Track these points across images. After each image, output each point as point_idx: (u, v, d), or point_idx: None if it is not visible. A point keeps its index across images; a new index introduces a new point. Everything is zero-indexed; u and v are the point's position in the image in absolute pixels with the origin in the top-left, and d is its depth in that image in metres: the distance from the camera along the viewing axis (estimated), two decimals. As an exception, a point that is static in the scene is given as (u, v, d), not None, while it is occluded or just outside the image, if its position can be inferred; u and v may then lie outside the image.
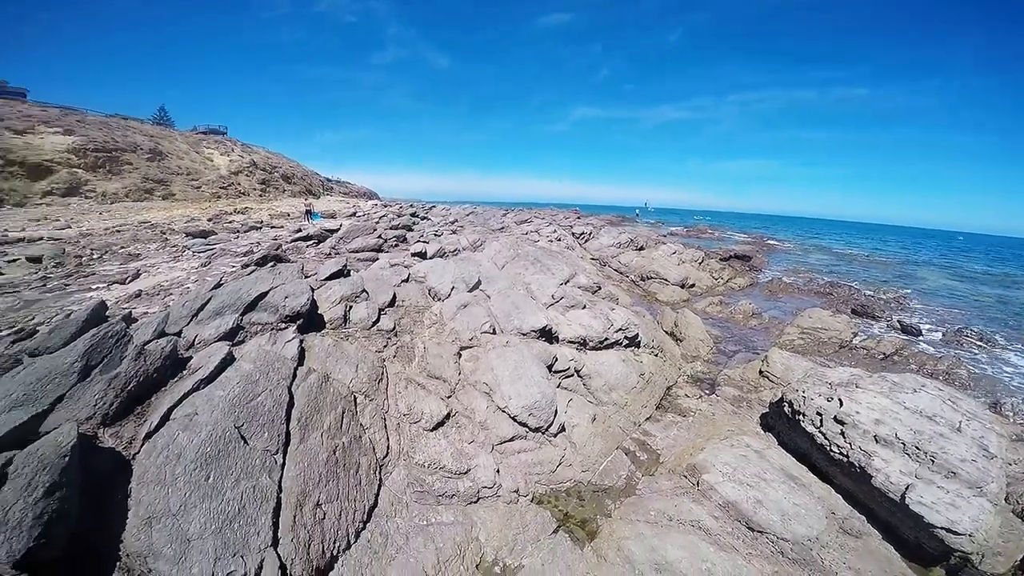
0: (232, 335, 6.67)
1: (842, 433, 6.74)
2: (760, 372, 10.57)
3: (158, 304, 9.14)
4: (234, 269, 11.71)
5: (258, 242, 17.92)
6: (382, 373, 6.41)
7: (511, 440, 6.65)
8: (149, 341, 5.78)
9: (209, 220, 26.39)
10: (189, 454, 4.11)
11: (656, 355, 10.74)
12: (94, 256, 14.76)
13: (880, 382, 7.66)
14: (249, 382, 5.02)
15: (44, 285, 10.82)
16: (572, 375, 8.67)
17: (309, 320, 7.53)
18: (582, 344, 9.61)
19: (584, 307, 10.67)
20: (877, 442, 6.40)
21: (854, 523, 6.00)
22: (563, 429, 7.25)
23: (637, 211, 72.68)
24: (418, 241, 15.46)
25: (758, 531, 5.72)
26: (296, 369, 5.61)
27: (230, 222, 25.81)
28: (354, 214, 31.10)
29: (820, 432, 7.00)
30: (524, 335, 8.89)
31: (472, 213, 31.78)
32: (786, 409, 7.82)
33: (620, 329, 10.08)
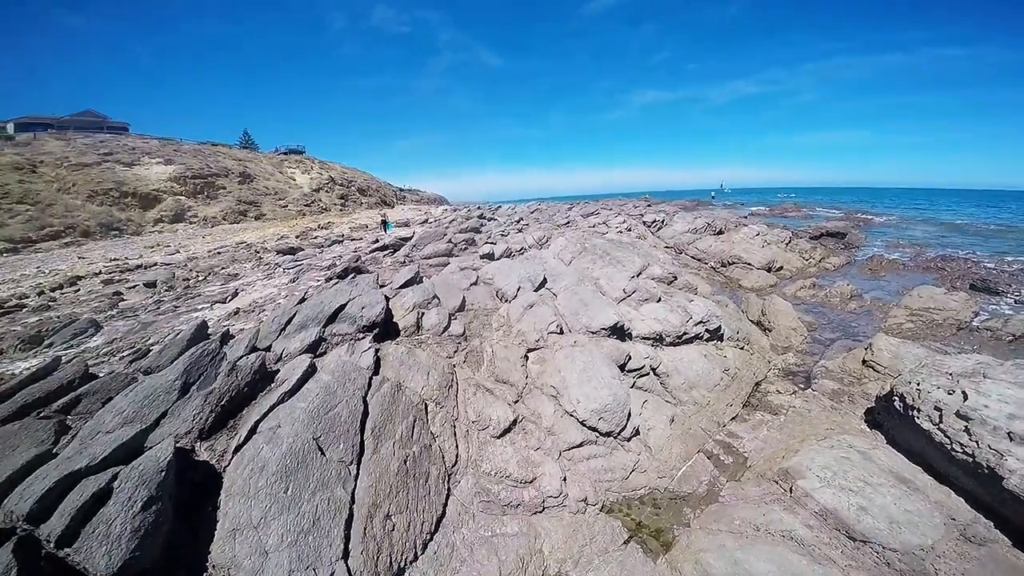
0: (315, 347, 7.07)
1: (966, 430, 5.80)
2: (864, 362, 9.39)
3: (253, 320, 9.90)
4: (319, 283, 12.45)
5: (340, 255, 18.97)
6: (452, 379, 6.46)
7: (579, 446, 6.40)
8: (241, 357, 6.24)
9: (297, 237, 28.45)
10: (271, 467, 4.33)
11: (742, 348, 9.94)
12: (199, 278, 16.14)
13: (1014, 371, 6.49)
14: (328, 393, 5.24)
15: (158, 308, 11.89)
16: (647, 374, 8.19)
17: (385, 328, 7.78)
18: (658, 340, 9.06)
19: (659, 300, 10.09)
20: (1011, 440, 5.41)
21: (978, 529, 5.13)
22: (637, 432, 6.88)
23: (713, 193, 68.09)
24: (486, 243, 15.60)
25: (860, 541, 5.08)
26: (371, 379, 5.81)
27: (315, 238, 27.60)
28: (426, 221, 32.06)
29: (939, 429, 6.08)
30: (593, 333, 8.55)
31: (537, 210, 31.60)
32: (896, 404, 6.87)
33: (700, 322, 9.42)
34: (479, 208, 38.10)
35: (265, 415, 5.03)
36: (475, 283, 10.35)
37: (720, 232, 24.90)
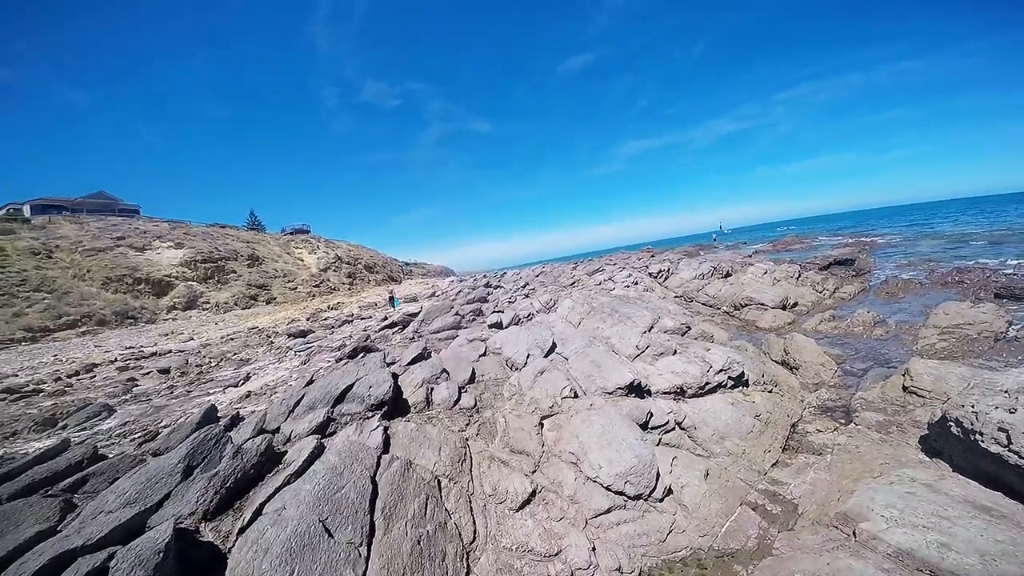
0: (323, 428, 6.96)
1: None
2: (904, 388, 8.96)
3: (265, 403, 9.94)
4: (329, 363, 12.46)
5: (350, 335, 19.17)
6: (465, 453, 6.17)
7: (607, 512, 5.96)
8: (247, 440, 6.17)
9: (307, 319, 28.84)
10: (276, 549, 4.13)
11: (770, 391, 9.52)
12: (212, 364, 16.44)
13: None
14: (334, 474, 5.04)
15: (171, 392, 12.01)
16: (672, 429, 7.81)
17: (394, 406, 7.65)
18: (679, 393, 8.76)
19: (675, 352, 9.83)
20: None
21: None
22: (669, 491, 6.43)
23: (714, 235, 68.61)
24: (493, 312, 15.67)
25: (949, 580, 4.51)
26: (380, 457, 5.57)
27: (325, 319, 27.96)
28: (433, 294, 32.40)
29: (1011, 451, 5.62)
30: (609, 394, 8.23)
31: (541, 273, 31.92)
32: (954, 429, 6.41)
33: (721, 370, 9.12)
34: (484, 277, 38.58)
35: (271, 497, 4.87)
36: (484, 354, 10.24)
37: (727, 275, 24.91)
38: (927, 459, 6.83)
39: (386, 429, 6.27)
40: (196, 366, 15.92)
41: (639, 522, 5.92)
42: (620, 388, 8.31)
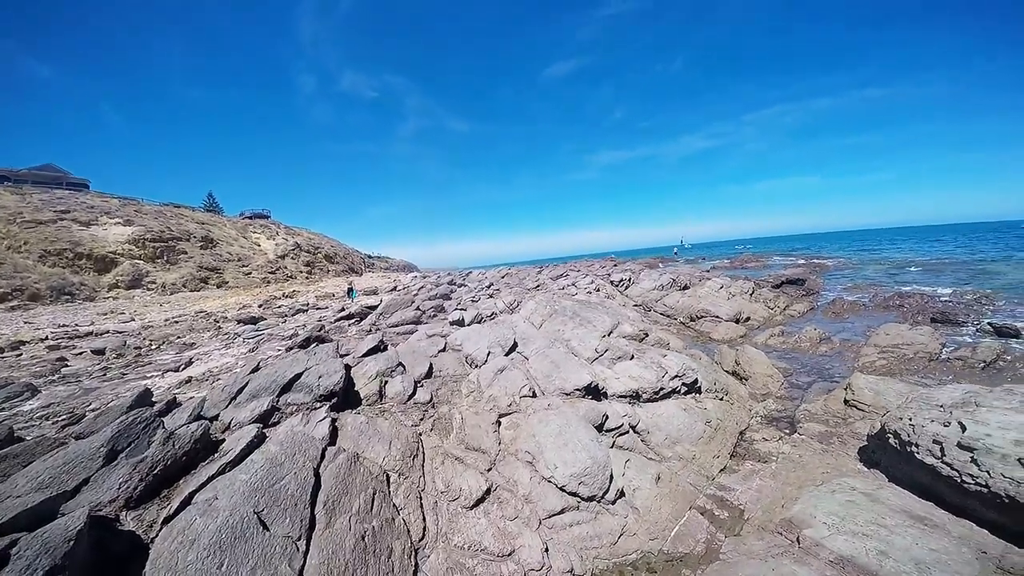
0: (267, 417, 6.62)
1: (974, 461, 5.64)
2: (845, 401, 9.36)
3: (206, 389, 9.42)
4: (279, 352, 11.92)
5: (304, 324, 18.46)
6: (417, 448, 5.95)
7: (560, 513, 5.89)
8: (182, 426, 5.77)
9: (260, 306, 27.59)
10: (203, 541, 3.84)
11: (721, 399, 9.73)
12: (152, 347, 15.61)
13: (1006, 397, 6.43)
14: (274, 464, 4.75)
15: (104, 375, 11.36)
16: (627, 432, 7.83)
17: (345, 398, 7.36)
18: (634, 397, 8.79)
19: (632, 358, 9.89)
20: (1024, 465, 5.28)
21: (1014, 559, 4.82)
22: (622, 494, 6.42)
23: (676, 250, 70.71)
24: (456, 309, 15.42)
25: (888, 587, 4.70)
26: (325, 449, 5.29)
27: (279, 307, 26.84)
28: (394, 288, 31.78)
29: (944, 463, 5.91)
30: (567, 395, 8.19)
31: (507, 275, 31.87)
32: (892, 441, 6.72)
33: (676, 376, 9.26)
34: (449, 275, 38.16)
35: (203, 486, 4.57)
36: (443, 350, 10.03)
37: (685, 287, 25.63)
38: (865, 469, 7.10)
39: (334, 421, 5.99)
40: (135, 348, 14.99)
41: (592, 524, 5.88)
42: (578, 389, 8.28)
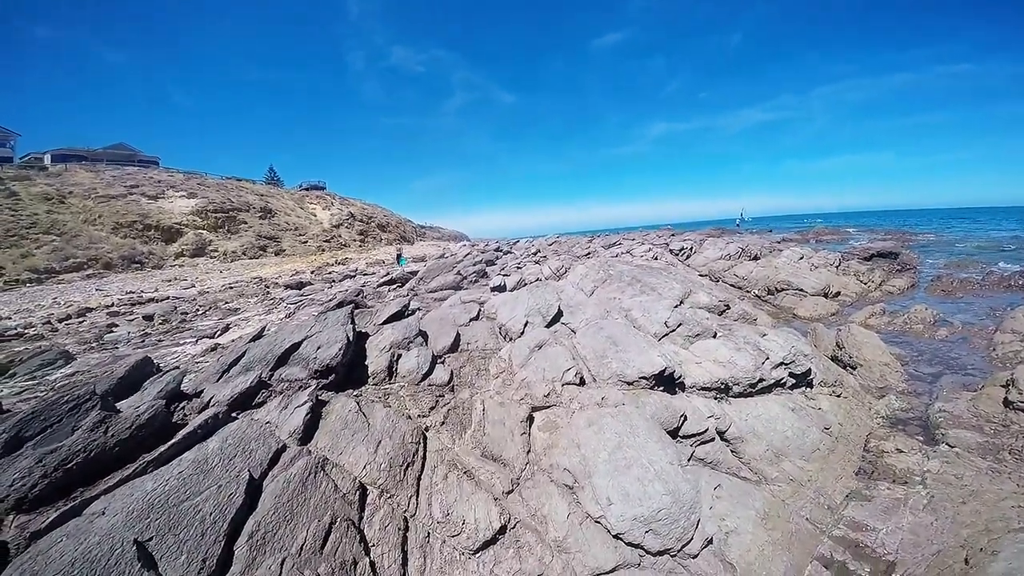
0: (251, 396, 5.31)
1: None
2: (1006, 402, 6.91)
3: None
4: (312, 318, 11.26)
5: (349, 289, 18.07)
6: (416, 451, 4.21)
7: (611, 573, 3.84)
8: (139, 407, 4.56)
9: (312, 272, 28.06)
10: (47, 574, 2.54)
11: (838, 395, 7.35)
12: (200, 312, 15.65)
13: None
14: (197, 471, 3.32)
15: (143, 341, 11.24)
16: (711, 440, 5.63)
17: (347, 375, 5.97)
18: (722, 390, 6.44)
19: (715, 335, 7.52)
20: None
21: None
22: (710, 542, 4.23)
23: (737, 221, 64.96)
24: (498, 275, 13.92)
25: None
26: (280, 451, 3.79)
27: (329, 273, 27.12)
28: (442, 255, 31.03)
29: None
30: (629, 384, 5.90)
31: (556, 243, 29.92)
32: None
33: (781, 363, 6.78)
34: (496, 242, 36.77)
35: (108, 490, 3.31)
36: (476, 318, 8.26)
37: (756, 258, 22.61)
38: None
39: (314, 407, 4.54)
40: (182, 314, 15.04)
41: (661, 591, 3.90)
42: (644, 378, 5.95)
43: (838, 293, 18.01)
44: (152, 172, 47.76)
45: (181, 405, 5.35)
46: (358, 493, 3.58)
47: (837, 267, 21.38)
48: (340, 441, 4.11)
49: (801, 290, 17.52)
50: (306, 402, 4.59)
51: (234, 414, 4.88)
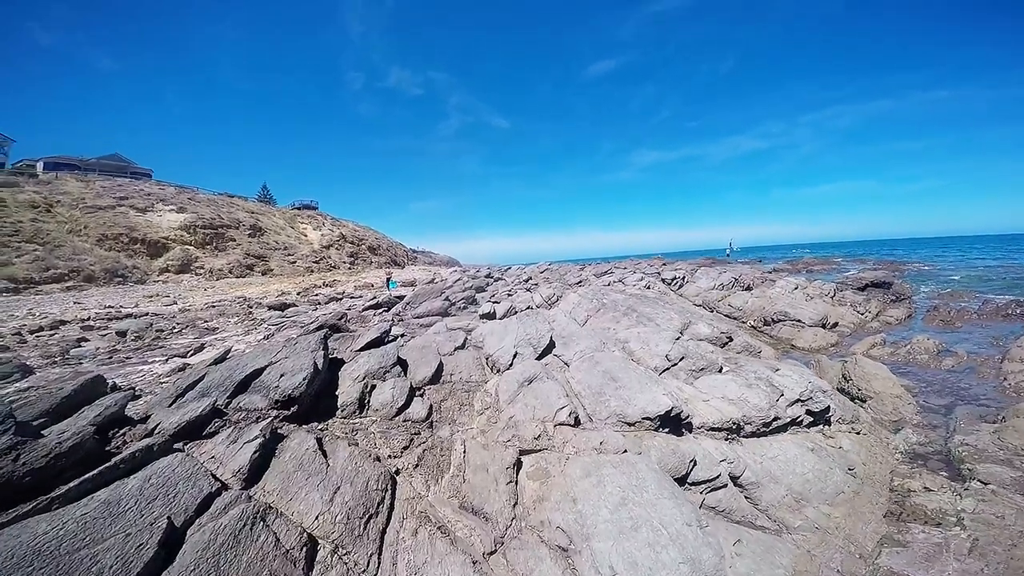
0: (202, 425, 4.68)
1: None
2: None
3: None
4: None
5: (333, 312, 17.62)
6: (382, 500, 3.52)
7: None
8: (64, 432, 3.89)
9: (298, 294, 27.60)
10: None
11: (858, 432, 6.73)
12: (175, 330, 15.03)
13: None
14: (106, 514, 2.67)
15: (110, 357, 10.76)
16: (724, 486, 5.00)
17: (313, 406, 5.35)
18: (734, 430, 5.84)
19: (721, 370, 6.99)
20: None
21: None
22: None
23: (728, 251, 65.34)
24: (488, 301, 13.45)
25: None
26: (214, 495, 3.13)
27: (316, 295, 26.73)
28: (432, 280, 30.57)
29: None
30: (630, 425, 5.34)
31: (547, 270, 29.64)
32: None
33: (798, 400, 6.26)
34: (487, 268, 36.43)
35: None
36: (462, 347, 7.63)
37: (749, 288, 22.37)
38: None
39: (267, 443, 3.90)
40: (157, 331, 14.41)
41: None
42: (648, 418, 5.35)
43: (836, 324, 17.64)
44: (143, 184, 47.37)
45: (122, 432, 4.74)
46: (305, 549, 2.91)
47: (832, 297, 21.09)
48: (292, 485, 3.46)
49: (799, 321, 17.12)
50: (257, 437, 3.95)
51: (177, 445, 4.27)
